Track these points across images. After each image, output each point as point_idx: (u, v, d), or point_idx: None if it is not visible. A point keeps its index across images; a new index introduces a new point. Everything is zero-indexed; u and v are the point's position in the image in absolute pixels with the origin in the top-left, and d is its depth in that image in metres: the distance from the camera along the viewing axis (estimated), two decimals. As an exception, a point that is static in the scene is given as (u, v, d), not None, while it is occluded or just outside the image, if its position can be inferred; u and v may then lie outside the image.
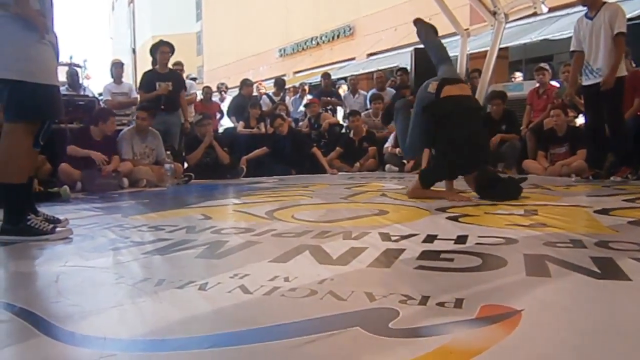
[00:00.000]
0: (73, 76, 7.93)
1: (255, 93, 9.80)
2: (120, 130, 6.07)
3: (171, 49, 6.60)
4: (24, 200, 2.59)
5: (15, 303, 1.52)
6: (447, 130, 3.72)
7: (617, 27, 4.72)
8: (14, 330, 1.33)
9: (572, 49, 5.14)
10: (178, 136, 6.67)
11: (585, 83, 5.08)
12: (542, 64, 7.24)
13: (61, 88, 7.61)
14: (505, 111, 6.77)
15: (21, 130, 2.47)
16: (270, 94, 9.49)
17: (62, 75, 10.02)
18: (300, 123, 8.62)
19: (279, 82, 9.68)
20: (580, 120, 6.79)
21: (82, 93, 7.46)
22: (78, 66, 10.39)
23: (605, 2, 4.91)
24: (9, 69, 2.38)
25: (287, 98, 9.83)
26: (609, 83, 4.75)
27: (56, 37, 2.59)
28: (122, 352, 1.18)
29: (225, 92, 10.29)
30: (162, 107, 6.30)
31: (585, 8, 5.06)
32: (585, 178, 5.19)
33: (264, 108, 8.56)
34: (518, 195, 3.63)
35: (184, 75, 8.22)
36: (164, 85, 6.36)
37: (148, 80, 6.55)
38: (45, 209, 3.01)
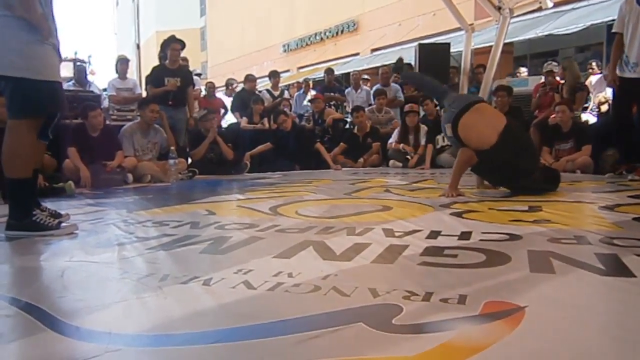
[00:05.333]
0: (80, 72, 7.94)
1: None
2: (123, 125, 6.07)
3: (182, 45, 6.61)
4: (29, 195, 2.61)
5: (21, 298, 1.53)
6: (514, 155, 3.57)
7: None
8: (20, 325, 1.35)
9: (614, 29, 4.71)
10: (184, 132, 6.69)
11: (621, 75, 4.67)
12: (550, 65, 7.12)
13: (68, 84, 7.65)
14: (511, 107, 6.73)
15: (24, 126, 2.49)
16: (270, 88, 9.46)
17: (66, 71, 10.07)
18: (304, 121, 8.60)
19: (272, 74, 9.59)
20: (585, 116, 6.76)
21: (88, 89, 7.46)
22: (83, 62, 10.40)
23: None
24: (11, 66, 2.40)
25: (286, 92, 9.78)
26: None
27: (59, 42, 2.61)
28: (127, 346, 1.19)
29: (236, 87, 10.23)
30: (170, 102, 6.31)
31: None
32: (619, 173, 4.81)
33: (265, 103, 8.54)
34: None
35: (188, 71, 8.22)
36: (173, 81, 6.37)
37: (157, 76, 6.57)
38: (50, 204, 3.03)
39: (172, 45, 6.53)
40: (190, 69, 8.68)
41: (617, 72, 4.71)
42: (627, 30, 4.56)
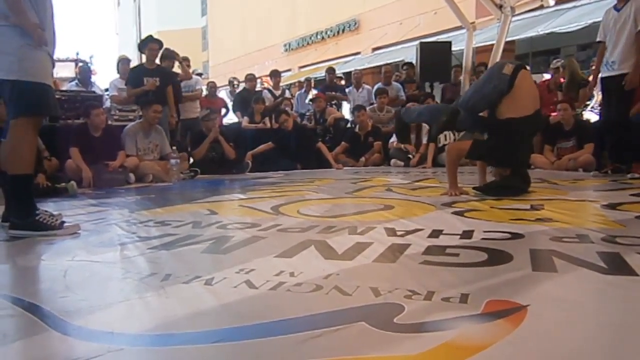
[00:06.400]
0: (84, 72, 7.96)
1: (259, 88, 9.75)
2: (125, 125, 6.08)
3: (159, 45, 6.65)
4: (31, 192, 2.64)
5: (24, 298, 1.54)
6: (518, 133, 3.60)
7: None
8: (22, 325, 1.35)
9: (598, 39, 5.00)
10: (167, 132, 6.68)
11: (602, 75, 4.93)
12: (558, 62, 7.10)
13: (70, 84, 7.63)
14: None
15: (24, 124, 2.55)
16: (271, 87, 9.46)
17: (68, 71, 10.08)
18: (305, 121, 8.58)
19: (273, 73, 9.59)
20: (587, 114, 6.75)
21: (90, 89, 7.47)
22: (84, 62, 10.42)
23: None
24: (9, 70, 2.47)
25: (287, 92, 9.75)
26: (633, 83, 4.57)
27: (54, 49, 2.69)
28: (129, 346, 1.19)
29: (237, 87, 10.22)
30: None
31: None
32: (604, 172, 4.97)
33: (266, 103, 8.54)
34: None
35: (190, 71, 8.22)
36: (152, 81, 6.39)
37: (136, 76, 6.61)
38: (52, 205, 3.03)
39: (149, 45, 6.58)
40: (192, 68, 8.68)
41: (601, 74, 4.95)
42: (611, 35, 4.81)
